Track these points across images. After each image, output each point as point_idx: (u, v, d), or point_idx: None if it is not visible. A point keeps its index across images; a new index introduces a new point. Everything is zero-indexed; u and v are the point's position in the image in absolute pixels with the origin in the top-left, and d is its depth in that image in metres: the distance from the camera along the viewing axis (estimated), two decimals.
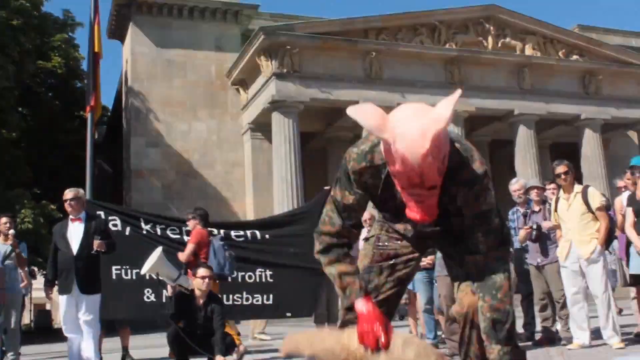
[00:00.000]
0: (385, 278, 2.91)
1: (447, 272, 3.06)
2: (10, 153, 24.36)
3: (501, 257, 2.49)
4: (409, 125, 2.18)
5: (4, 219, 9.25)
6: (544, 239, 7.78)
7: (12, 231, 9.08)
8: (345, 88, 23.49)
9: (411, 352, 2.34)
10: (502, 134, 27.31)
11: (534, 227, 7.66)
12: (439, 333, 8.43)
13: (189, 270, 7.62)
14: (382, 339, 2.33)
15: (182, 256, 7.89)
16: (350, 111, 2.38)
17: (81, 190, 7.63)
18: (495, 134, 28.03)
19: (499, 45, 26.51)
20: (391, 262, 2.93)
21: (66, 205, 7.34)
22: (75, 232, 7.24)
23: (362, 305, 2.47)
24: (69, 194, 7.39)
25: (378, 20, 24.77)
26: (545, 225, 7.57)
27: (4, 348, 8.25)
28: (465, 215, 2.53)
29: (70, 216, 7.34)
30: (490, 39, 26.41)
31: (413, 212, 2.31)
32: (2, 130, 23.74)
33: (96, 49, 13.40)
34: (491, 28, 26.43)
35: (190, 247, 7.92)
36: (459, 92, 2.34)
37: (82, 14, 56.13)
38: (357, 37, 24.13)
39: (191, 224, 8.30)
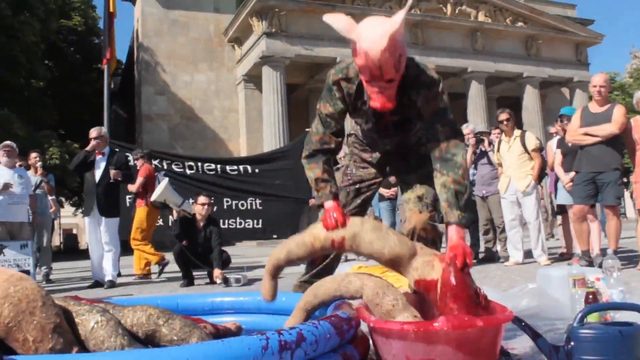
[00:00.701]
0: (352, 199, 3.09)
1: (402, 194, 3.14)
2: (38, 100, 24.09)
3: (458, 143, 2.56)
4: (371, 28, 2.33)
5: (34, 154, 9.22)
6: None
7: (39, 163, 9.08)
8: (325, 46, 23.35)
9: (368, 225, 2.39)
10: (457, 88, 27.30)
11: None
12: None
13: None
14: (340, 219, 2.41)
15: (132, 187, 7.97)
16: (326, 17, 2.50)
17: (104, 129, 7.57)
18: (451, 88, 27.92)
19: (456, 12, 26.33)
20: (356, 186, 3.11)
21: (90, 141, 7.29)
22: (97, 164, 7.24)
23: (328, 204, 2.54)
24: (94, 132, 7.34)
25: None
26: None
27: (38, 263, 8.30)
28: (424, 117, 2.63)
29: (95, 150, 7.29)
30: (449, 6, 26.21)
31: (375, 101, 2.40)
32: (31, 80, 23.41)
33: (111, 9, 13.23)
34: None
35: (139, 180, 7.99)
36: (409, 3, 2.50)
37: None
38: (336, 2, 23.87)
39: (139, 162, 8.29)
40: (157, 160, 8.48)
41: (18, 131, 19.14)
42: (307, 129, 9.35)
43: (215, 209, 8.21)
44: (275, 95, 22.89)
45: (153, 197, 7.10)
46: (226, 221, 8.44)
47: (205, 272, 7.01)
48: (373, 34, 2.29)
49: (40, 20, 22.85)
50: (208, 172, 8.58)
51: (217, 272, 6.53)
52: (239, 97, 26.23)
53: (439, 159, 2.53)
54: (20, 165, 7.99)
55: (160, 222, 8.24)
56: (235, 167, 8.75)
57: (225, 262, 6.94)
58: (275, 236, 9.72)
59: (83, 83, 28.23)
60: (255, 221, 8.58)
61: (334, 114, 2.68)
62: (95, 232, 7.22)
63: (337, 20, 2.45)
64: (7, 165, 7.24)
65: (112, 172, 7.15)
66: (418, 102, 2.60)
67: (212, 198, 7.53)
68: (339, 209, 2.51)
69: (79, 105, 27.07)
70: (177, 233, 6.92)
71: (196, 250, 6.82)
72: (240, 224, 8.57)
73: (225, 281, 6.32)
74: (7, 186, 6.94)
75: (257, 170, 8.59)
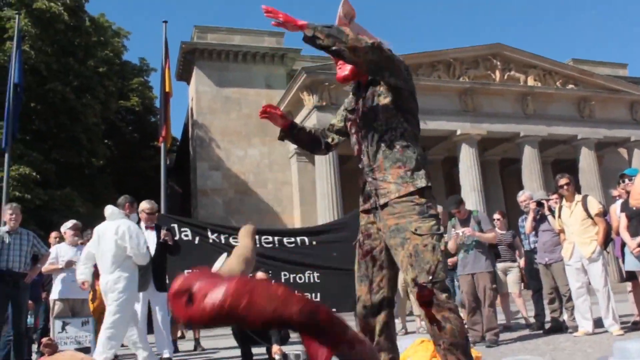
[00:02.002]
0: (372, 269, 2.98)
1: None
2: (99, 177, 24.87)
3: None
4: None
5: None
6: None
7: None
8: None
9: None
10: (510, 154, 27.11)
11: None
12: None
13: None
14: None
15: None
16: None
17: (154, 203, 7.63)
18: (504, 153, 27.79)
19: (505, 77, 26.33)
20: (369, 255, 3.01)
21: (142, 215, 7.26)
22: (150, 238, 7.15)
23: None
24: (146, 205, 7.34)
25: (401, 59, 24.72)
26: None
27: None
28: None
29: (145, 224, 7.27)
30: (497, 72, 26.25)
31: (340, 70, 2.97)
32: (92, 159, 24.23)
33: (167, 89, 13.65)
34: (498, 63, 26.28)
35: None
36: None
37: (155, 61, 57.04)
38: None
39: None
40: (214, 235, 8.52)
41: (79, 208, 19.73)
42: None
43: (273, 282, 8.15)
44: (328, 167, 23.03)
45: None
46: None
47: (265, 349, 6.90)
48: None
49: (100, 102, 23.89)
50: (265, 244, 8.57)
51: (275, 348, 6.42)
52: (292, 170, 26.49)
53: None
54: (82, 244, 8.15)
55: None
56: (292, 240, 8.72)
57: (284, 338, 6.83)
58: (334, 310, 9.54)
59: (140, 160, 29.12)
60: (313, 294, 8.47)
61: (335, 123, 3.30)
62: (145, 307, 7.01)
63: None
64: (71, 243, 7.40)
65: (164, 232, 7.14)
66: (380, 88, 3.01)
67: (270, 272, 7.49)
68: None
69: (136, 181, 27.83)
70: None
71: None
72: None
73: (285, 357, 6.21)
74: (70, 263, 7.07)
75: (314, 243, 8.53)
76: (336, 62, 2.96)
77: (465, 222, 7.09)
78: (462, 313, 8.08)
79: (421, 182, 2.86)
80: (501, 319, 8.54)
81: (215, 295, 1.53)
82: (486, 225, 6.98)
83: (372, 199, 2.96)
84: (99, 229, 6.17)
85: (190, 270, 7.26)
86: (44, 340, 6.20)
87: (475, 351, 5.08)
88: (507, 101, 25.90)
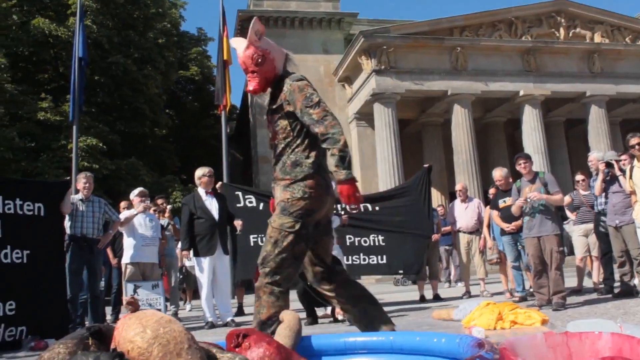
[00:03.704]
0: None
1: None
2: (162, 147, 25.42)
3: (335, 124, 3.21)
4: (240, 42, 3.43)
5: (160, 200, 9.70)
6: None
7: (169, 206, 9.51)
8: (435, 80, 23.31)
9: None
10: (575, 114, 26.31)
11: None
12: (526, 287, 8.25)
13: None
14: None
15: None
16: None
17: (209, 167, 7.68)
18: (569, 114, 26.97)
19: (570, 35, 25.44)
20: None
21: (203, 180, 7.38)
22: (212, 204, 7.32)
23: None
24: (204, 170, 7.49)
25: (461, 20, 24.25)
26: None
27: (167, 303, 8.61)
28: (297, 106, 3.26)
29: (205, 189, 7.39)
30: (561, 30, 25.37)
31: (249, 86, 3.39)
32: (154, 129, 24.76)
33: (225, 57, 13.74)
34: (562, 20, 25.39)
35: None
36: (253, 22, 3.38)
37: (213, 30, 57.48)
38: (443, 35, 23.78)
39: None
40: None
41: (145, 177, 20.25)
42: (425, 165, 9.27)
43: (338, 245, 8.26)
44: (388, 132, 22.91)
45: None
46: (350, 257, 8.46)
47: (329, 310, 6.99)
48: (240, 45, 3.39)
49: (161, 73, 24.29)
50: None
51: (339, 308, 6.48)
52: (351, 135, 26.48)
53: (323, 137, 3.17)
54: (154, 211, 8.42)
55: None
56: (354, 206, 8.78)
57: None
58: (401, 271, 9.57)
59: (201, 128, 29.59)
60: (379, 257, 8.54)
61: None
62: (210, 270, 7.22)
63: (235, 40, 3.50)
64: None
65: (238, 223, 7.39)
66: (285, 89, 3.31)
67: (335, 236, 7.56)
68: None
69: (198, 150, 28.33)
70: (300, 272, 6.96)
71: None
72: (364, 259, 8.56)
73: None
74: (146, 207, 7.38)
75: (377, 208, 8.55)
76: (247, 73, 3.39)
77: (530, 184, 6.94)
78: (528, 276, 8.02)
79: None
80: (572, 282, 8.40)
81: (256, 353, 2.10)
82: (553, 187, 6.80)
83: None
84: None
85: (255, 235, 7.35)
86: (127, 298, 6.49)
87: (541, 314, 5.03)
88: (572, 60, 25.05)
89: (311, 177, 3.24)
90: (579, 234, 8.76)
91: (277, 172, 3.36)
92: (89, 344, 1.91)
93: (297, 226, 3.19)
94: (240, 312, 9.07)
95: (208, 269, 7.20)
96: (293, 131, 3.32)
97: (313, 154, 3.29)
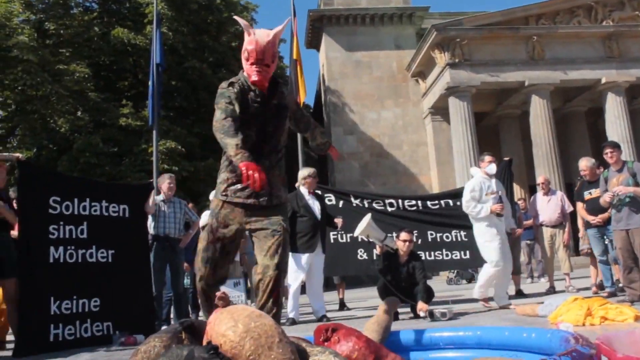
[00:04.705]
0: (218, 254, 3.63)
1: None
2: None
3: (322, 131, 3.96)
4: (263, 30, 3.43)
5: None
6: None
7: None
8: (511, 71, 22.77)
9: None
10: None
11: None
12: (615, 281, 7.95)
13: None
14: (262, 176, 2.92)
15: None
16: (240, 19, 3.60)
17: (315, 170, 7.78)
18: None
19: None
20: (220, 242, 3.62)
21: (307, 180, 7.49)
22: (314, 203, 7.43)
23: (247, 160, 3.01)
24: (309, 171, 7.60)
25: (536, 8, 23.56)
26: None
27: (249, 301, 8.76)
28: (290, 107, 3.60)
29: (307, 189, 7.48)
30: None
31: (257, 76, 3.35)
32: None
33: (294, 57, 13.89)
34: None
35: None
36: (287, 21, 3.62)
37: (284, 31, 58.07)
38: (518, 24, 23.20)
39: None
40: (357, 200, 8.68)
41: None
42: (505, 158, 9.08)
43: (419, 241, 8.19)
44: (464, 125, 22.55)
45: (356, 233, 7.22)
46: (432, 253, 8.41)
47: (409, 307, 6.96)
48: (264, 32, 3.38)
49: (235, 75, 24.67)
50: (409, 208, 8.62)
51: (422, 305, 6.44)
52: (426, 130, 26.25)
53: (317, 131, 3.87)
54: None
55: (365, 255, 8.36)
56: (436, 202, 8.73)
57: (429, 297, 6.84)
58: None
59: None
60: (462, 252, 8.44)
61: (231, 102, 3.40)
62: (306, 269, 7.30)
63: (244, 22, 3.48)
64: None
65: (339, 221, 7.46)
66: (285, 93, 3.56)
67: (415, 233, 7.51)
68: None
69: None
70: (380, 268, 6.96)
71: (399, 285, 6.80)
72: (447, 255, 8.48)
73: (431, 315, 6.20)
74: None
75: (458, 204, 8.46)
76: (261, 64, 3.39)
77: (618, 174, 6.68)
78: (615, 270, 7.73)
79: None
80: None
81: (346, 346, 2.13)
82: None
83: (263, 198, 3.42)
84: None
85: (335, 232, 7.42)
86: (219, 293, 6.63)
87: (634, 309, 4.85)
88: None
89: None
90: None
91: (277, 172, 3.54)
92: (182, 337, 1.97)
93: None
94: (342, 307, 9.19)
95: (305, 266, 7.31)
96: (285, 133, 3.60)
97: None
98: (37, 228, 5.71)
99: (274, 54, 3.39)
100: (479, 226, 7.05)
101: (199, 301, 3.69)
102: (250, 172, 2.92)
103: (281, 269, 3.30)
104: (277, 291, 3.27)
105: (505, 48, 23.03)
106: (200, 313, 9.72)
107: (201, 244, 3.50)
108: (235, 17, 3.75)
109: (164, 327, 2.15)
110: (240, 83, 3.46)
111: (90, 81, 21.61)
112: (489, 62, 22.80)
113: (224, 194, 3.49)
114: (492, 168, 7.18)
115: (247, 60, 3.39)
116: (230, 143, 3.15)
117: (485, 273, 7.00)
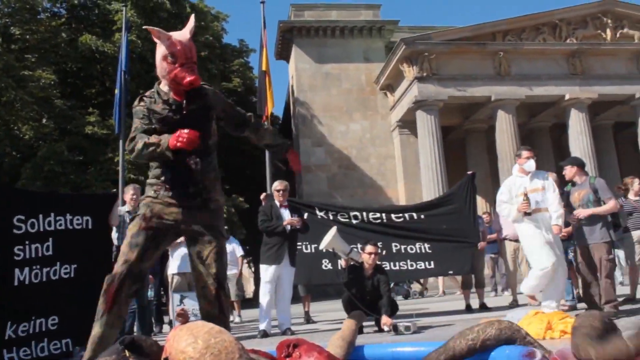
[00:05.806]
0: (150, 242, 3.41)
1: None
2: None
3: (264, 123, 3.95)
4: (178, 32, 3.42)
5: None
6: None
7: None
8: (478, 85, 23.11)
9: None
10: (624, 117, 25.71)
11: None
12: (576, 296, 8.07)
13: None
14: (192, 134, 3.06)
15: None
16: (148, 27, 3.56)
17: (286, 183, 7.78)
18: (618, 117, 26.37)
19: (617, 36, 24.90)
20: (153, 231, 3.41)
21: (278, 194, 7.51)
22: (286, 215, 7.40)
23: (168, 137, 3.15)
24: (281, 185, 7.59)
25: (504, 24, 24.00)
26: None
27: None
28: (217, 107, 3.55)
29: (279, 203, 7.49)
30: (608, 31, 24.86)
31: (192, 75, 3.23)
32: None
33: (263, 68, 13.89)
34: (609, 21, 24.88)
35: None
36: (191, 20, 3.54)
37: (254, 41, 57.96)
38: (486, 40, 23.58)
39: None
40: (322, 212, 8.68)
41: None
42: (468, 172, 9.18)
43: (384, 252, 8.21)
44: (431, 139, 22.78)
45: (322, 246, 7.23)
46: (397, 263, 8.45)
47: (374, 321, 6.97)
48: (181, 32, 3.40)
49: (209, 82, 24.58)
50: (373, 220, 8.65)
51: (386, 319, 6.46)
52: (394, 143, 26.43)
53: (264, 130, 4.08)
54: None
55: (330, 265, 8.35)
56: (400, 215, 8.77)
57: (393, 310, 6.88)
58: (451, 272, 9.48)
59: (244, 139, 29.72)
60: (427, 262, 8.49)
61: (143, 117, 3.39)
62: (273, 280, 7.29)
63: (152, 28, 3.39)
64: None
65: (296, 219, 7.38)
66: (210, 94, 3.46)
67: (380, 245, 7.54)
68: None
69: (241, 160, 28.56)
70: (345, 281, 6.98)
71: (364, 298, 6.83)
72: (412, 265, 8.53)
73: (395, 329, 6.23)
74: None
75: (422, 217, 8.52)
76: (189, 63, 3.32)
77: (580, 188, 6.80)
78: (580, 282, 7.84)
79: None
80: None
81: None
82: (605, 193, 6.65)
83: (198, 199, 3.33)
84: None
85: (299, 243, 7.38)
86: (178, 309, 6.58)
87: None
88: (620, 61, 24.49)
89: None
90: (633, 240, 8.52)
91: (213, 175, 3.44)
92: (126, 356, 1.95)
93: None
94: (307, 320, 9.18)
95: (271, 278, 7.28)
96: (215, 135, 3.52)
97: None
98: (0, 251, 5.40)
99: (195, 51, 3.38)
100: (517, 229, 6.62)
101: (101, 298, 3.43)
102: (180, 135, 3.08)
103: (220, 279, 3.31)
104: (220, 300, 3.34)
105: (473, 63, 23.36)
106: (165, 327, 9.63)
107: (131, 231, 3.29)
108: (146, 27, 3.60)
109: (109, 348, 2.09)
110: (151, 94, 3.45)
111: (56, 88, 21.31)
112: (457, 77, 23.10)
113: (155, 195, 3.35)
114: (531, 165, 6.49)
115: (174, 64, 3.27)
116: (142, 144, 3.20)
117: (533, 276, 6.30)
